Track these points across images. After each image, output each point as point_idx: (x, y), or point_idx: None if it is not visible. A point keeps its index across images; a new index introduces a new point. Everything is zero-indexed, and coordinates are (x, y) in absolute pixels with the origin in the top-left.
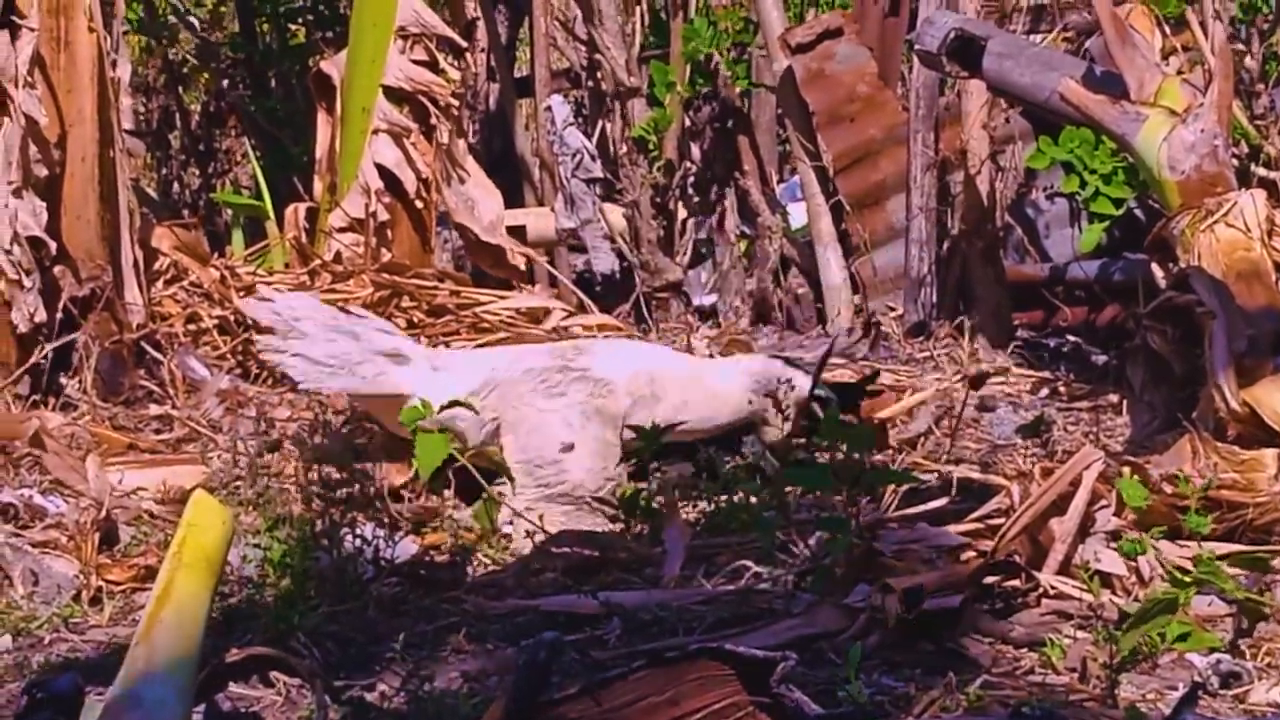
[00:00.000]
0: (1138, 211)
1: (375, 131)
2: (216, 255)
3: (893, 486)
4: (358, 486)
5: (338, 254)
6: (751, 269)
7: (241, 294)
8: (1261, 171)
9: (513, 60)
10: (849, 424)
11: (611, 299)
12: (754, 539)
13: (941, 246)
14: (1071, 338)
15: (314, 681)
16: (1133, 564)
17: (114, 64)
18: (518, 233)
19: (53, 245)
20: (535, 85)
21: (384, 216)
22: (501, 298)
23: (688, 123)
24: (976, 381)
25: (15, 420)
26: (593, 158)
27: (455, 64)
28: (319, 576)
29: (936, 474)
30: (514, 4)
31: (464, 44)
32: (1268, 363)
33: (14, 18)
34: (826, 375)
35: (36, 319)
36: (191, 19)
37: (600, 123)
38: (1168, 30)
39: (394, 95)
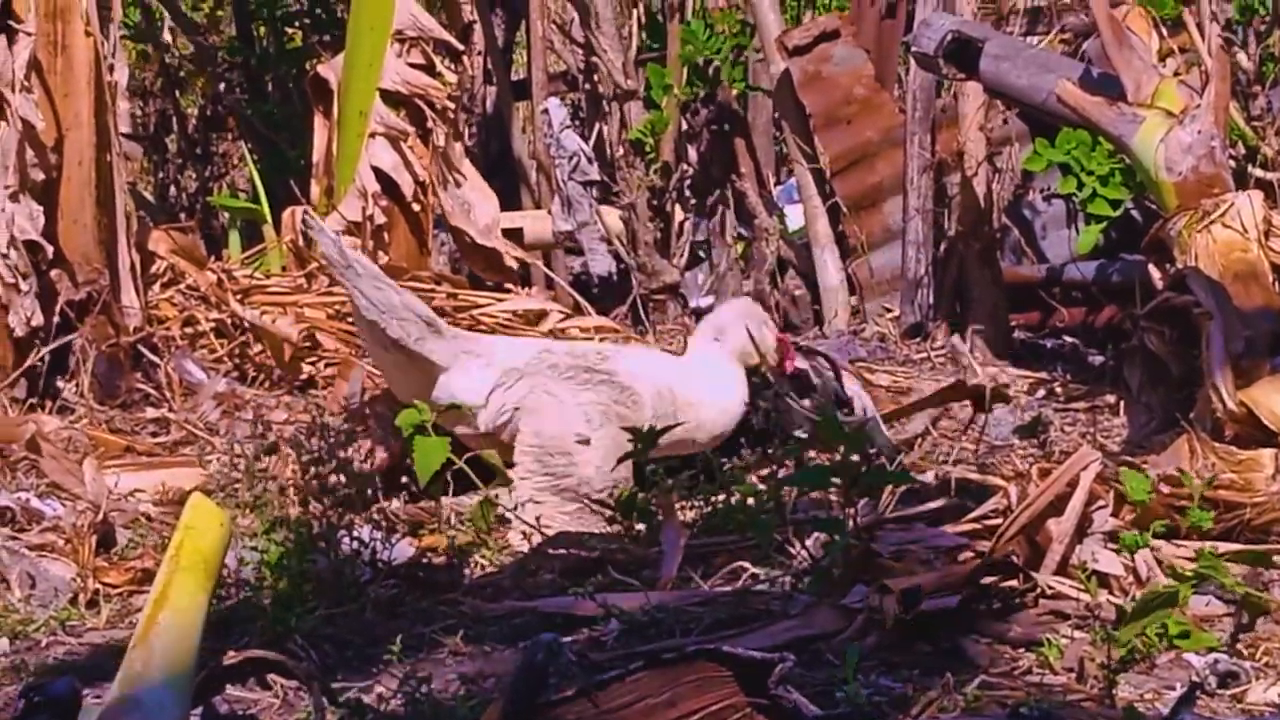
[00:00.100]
0: (1135, 213)
1: (372, 135)
2: (213, 259)
3: (890, 487)
4: (354, 489)
5: None
6: (748, 271)
7: (238, 297)
8: (1258, 173)
9: (509, 63)
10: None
11: (608, 301)
12: (751, 540)
13: (938, 248)
14: (1069, 339)
15: (311, 684)
16: (1130, 564)
17: (111, 68)
18: (515, 235)
19: (49, 249)
20: (532, 88)
21: (381, 220)
22: (498, 300)
23: (685, 125)
24: (980, 401)
25: (12, 423)
26: (589, 160)
27: (452, 67)
28: (316, 579)
29: (934, 475)
30: (511, 7)
31: (461, 47)
32: (1265, 363)
33: (11, 22)
34: None
35: (33, 322)
36: (173, 24)
37: (597, 125)
38: (1165, 32)
39: (391, 99)
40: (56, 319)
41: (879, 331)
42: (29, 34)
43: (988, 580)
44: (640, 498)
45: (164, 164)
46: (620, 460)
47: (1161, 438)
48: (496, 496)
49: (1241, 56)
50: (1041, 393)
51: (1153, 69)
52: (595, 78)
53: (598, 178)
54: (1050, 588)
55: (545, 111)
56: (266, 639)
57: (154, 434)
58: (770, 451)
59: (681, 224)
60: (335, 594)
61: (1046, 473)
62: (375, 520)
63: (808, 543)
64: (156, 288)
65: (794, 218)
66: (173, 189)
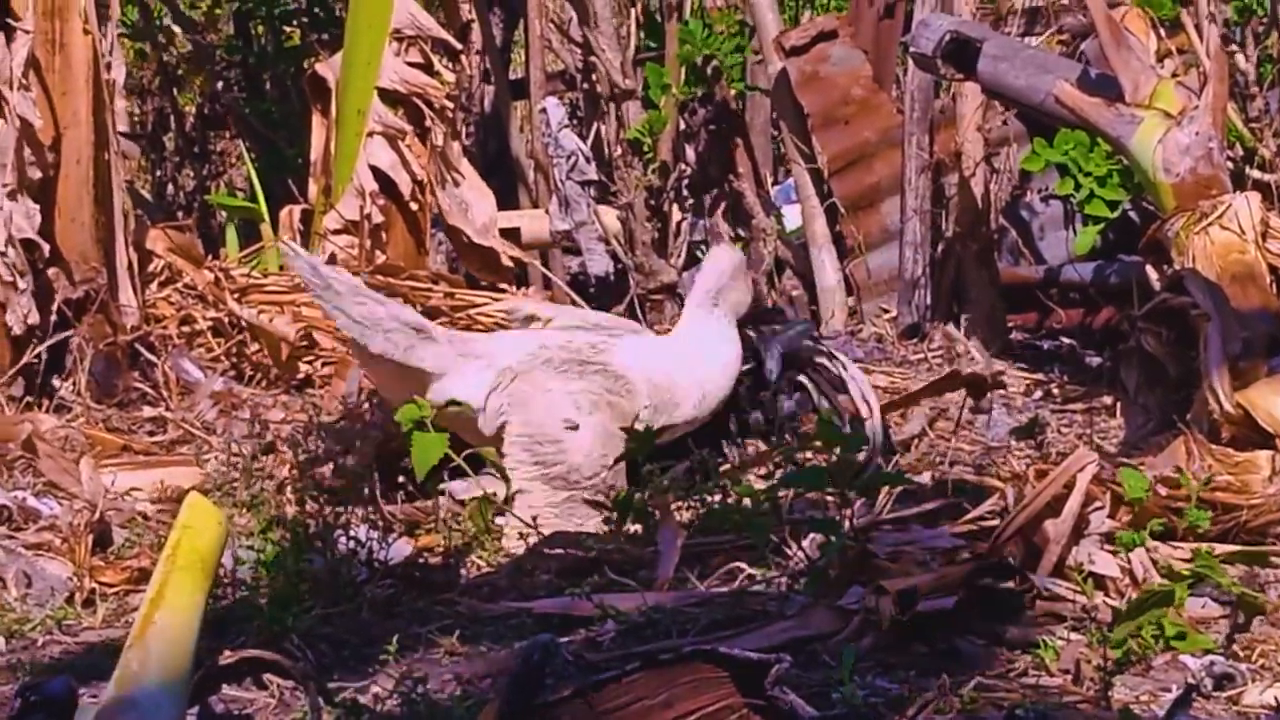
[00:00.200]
0: (1132, 214)
1: (370, 134)
2: (211, 257)
3: (887, 488)
4: (351, 487)
5: (332, 256)
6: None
7: (236, 296)
8: (1256, 174)
9: (507, 63)
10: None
11: (606, 301)
12: (748, 540)
13: (936, 249)
14: (1066, 340)
15: (307, 684)
16: (1126, 566)
17: (109, 66)
18: (512, 235)
19: (46, 247)
20: (530, 87)
21: (379, 219)
22: (496, 299)
23: (682, 125)
24: (977, 391)
25: (9, 422)
26: (587, 160)
27: (450, 66)
28: (313, 578)
29: (930, 476)
30: (509, 6)
31: (459, 46)
32: (1262, 365)
33: (9, 20)
34: None
35: (30, 321)
36: (175, 29)
37: (595, 125)
38: (1163, 33)
39: (389, 98)
40: (54, 317)
41: (876, 332)
42: (27, 32)
43: (984, 582)
44: (637, 498)
45: (162, 162)
46: (617, 461)
47: (1158, 439)
48: (494, 494)
49: (1239, 58)
50: (1038, 394)
51: (1151, 70)
52: (593, 77)
53: (595, 177)
54: (1047, 589)
55: (543, 111)
56: (263, 639)
57: (151, 433)
58: (765, 450)
59: (679, 224)
60: (332, 594)
61: (1043, 474)
62: (372, 520)
63: (804, 543)
64: (154, 286)
65: (791, 218)
66: (170, 187)
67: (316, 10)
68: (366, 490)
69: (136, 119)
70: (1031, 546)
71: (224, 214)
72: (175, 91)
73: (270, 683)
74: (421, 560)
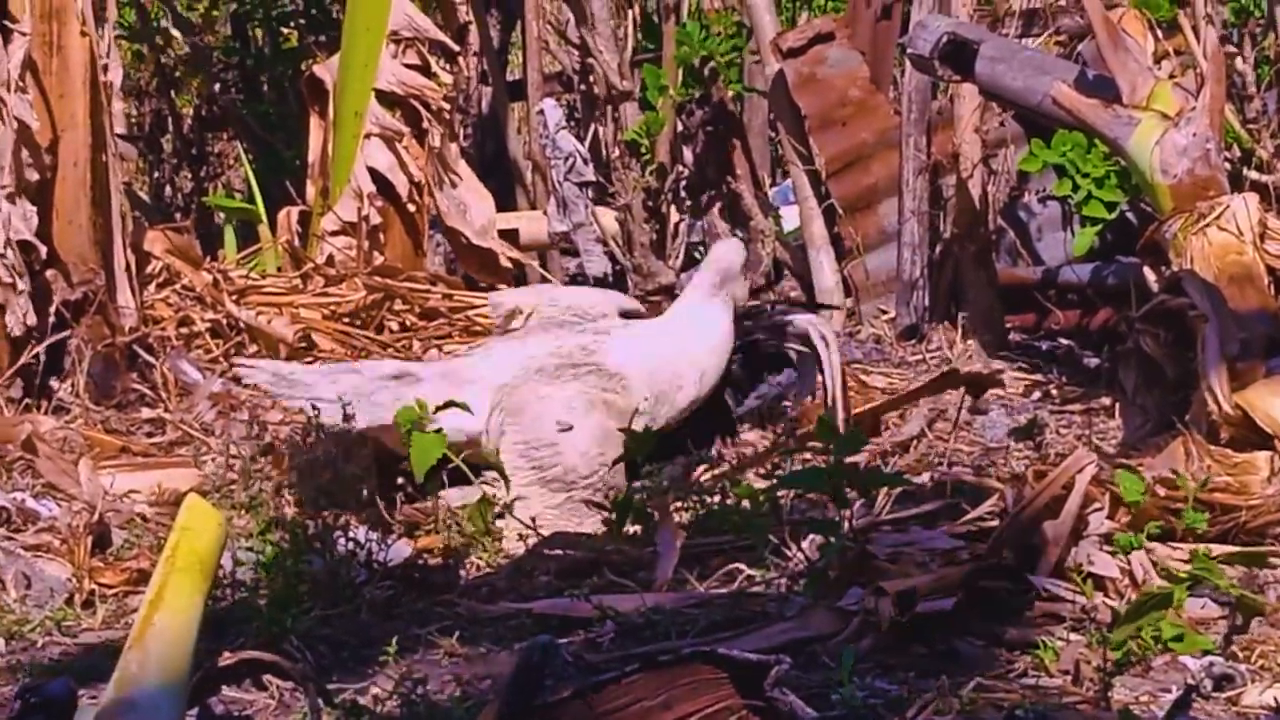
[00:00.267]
0: (1130, 215)
1: (368, 135)
2: (209, 259)
3: (886, 489)
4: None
5: (330, 257)
6: (744, 272)
7: (234, 298)
8: (1254, 175)
9: (505, 64)
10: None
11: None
12: (747, 541)
13: (934, 250)
14: (1064, 341)
15: (307, 685)
16: (1125, 566)
17: (106, 68)
18: (510, 236)
19: (44, 249)
20: (527, 89)
21: (376, 220)
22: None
23: (680, 126)
24: (975, 389)
25: (8, 424)
26: (585, 161)
27: (447, 68)
28: (312, 580)
29: (930, 477)
30: (506, 8)
31: (456, 48)
32: (1260, 366)
33: (6, 22)
34: None
35: (28, 322)
36: (175, 32)
37: (593, 126)
38: (1160, 34)
39: (386, 99)
40: (52, 319)
41: (874, 333)
42: (24, 34)
43: (983, 583)
44: (636, 499)
45: (159, 164)
46: (616, 461)
47: (1157, 440)
48: (495, 496)
49: (1237, 59)
50: (1037, 395)
51: (1148, 71)
52: (591, 79)
53: (593, 179)
54: (1046, 590)
55: (541, 112)
56: (262, 640)
57: (149, 434)
58: (763, 450)
59: (677, 225)
60: (331, 595)
61: (1042, 475)
62: (371, 521)
63: (803, 545)
64: (152, 288)
65: (789, 219)
66: (168, 189)
67: (314, 12)
68: (365, 492)
69: (134, 121)
70: (1030, 547)
71: (222, 215)
72: (173, 93)
73: (270, 684)
74: (421, 561)
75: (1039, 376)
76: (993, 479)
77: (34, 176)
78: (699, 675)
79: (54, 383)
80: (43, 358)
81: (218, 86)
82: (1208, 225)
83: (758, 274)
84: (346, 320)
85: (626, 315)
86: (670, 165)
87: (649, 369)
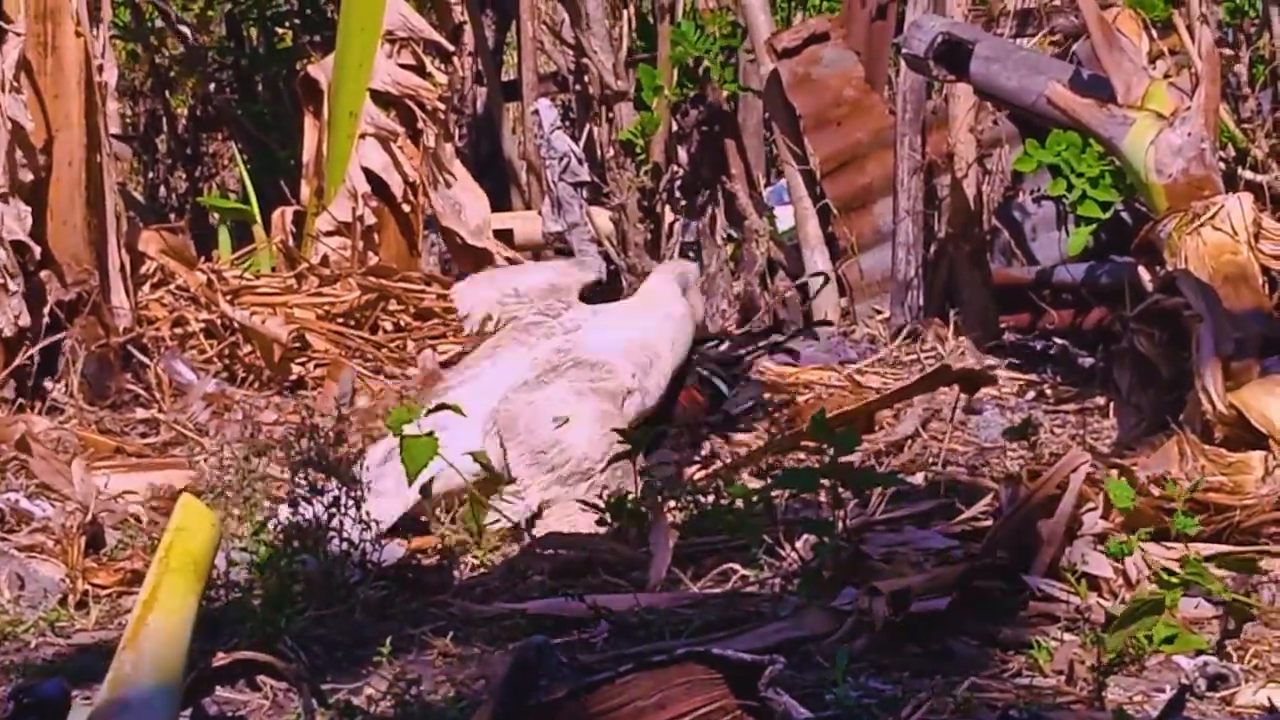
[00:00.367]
0: (1124, 215)
1: (362, 135)
2: (203, 259)
3: (880, 489)
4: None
5: (325, 258)
6: (738, 272)
7: (228, 298)
8: (1248, 175)
9: (500, 64)
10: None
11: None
12: (741, 541)
13: (928, 249)
14: (1058, 340)
15: (301, 685)
16: (1119, 566)
17: (100, 68)
18: (505, 236)
19: (38, 250)
20: (522, 89)
21: (371, 220)
22: None
23: (675, 126)
24: (968, 386)
25: (1, 424)
26: (580, 161)
27: (442, 68)
28: (306, 580)
29: (924, 477)
30: (501, 8)
31: (451, 48)
32: (1254, 366)
33: (1, 23)
34: None
35: (22, 323)
36: (182, 28)
37: (587, 126)
38: (1155, 34)
39: (381, 99)
40: (46, 319)
41: (869, 333)
42: (19, 34)
43: (977, 582)
44: (630, 499)
45: (154, 164)
46: (615, 459)
47: (1151, 440)
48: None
49: (1232, 59)
50: (1031, 394)
51: (1143, 71)
52: (586, 79)
53: (588, 179)
54: (1040, 590)
55: (536, 112)
56: (256, 640)
57: (143, 435)
58: (755, 449)
59: (671, 225)
60: (325, 595)
61: (1036, 475)
62: (365, 521)
63: (797, 544)
64: (146, 288)
65: (784, 219)
66: (163, 189)
67: (309, 12)
68: (359, 492)
69: (129, 121)
70: (1025, 547)
71: (216, 216)
72: (167, 93)
73: (263, 684)
74: (415, 562)
75: (1033, 376)
76: (987, 479)
77: (28, 177)
78: (693, 675)
79: (48, 383)
80: (37, 358)
81: (212, 86)
82: (1202, 225)
83: (753, 274)
84: (341, 320)
85: (587, 288)
86: (665, 165)
87: (624, 350)
